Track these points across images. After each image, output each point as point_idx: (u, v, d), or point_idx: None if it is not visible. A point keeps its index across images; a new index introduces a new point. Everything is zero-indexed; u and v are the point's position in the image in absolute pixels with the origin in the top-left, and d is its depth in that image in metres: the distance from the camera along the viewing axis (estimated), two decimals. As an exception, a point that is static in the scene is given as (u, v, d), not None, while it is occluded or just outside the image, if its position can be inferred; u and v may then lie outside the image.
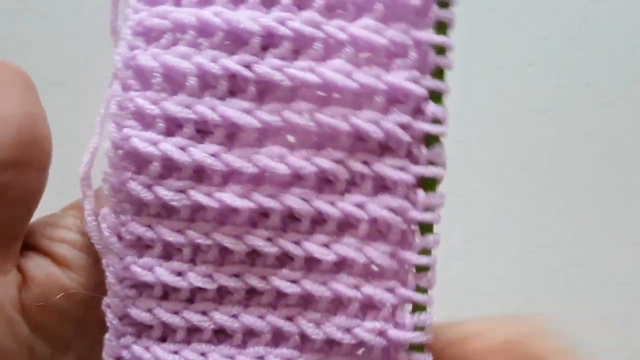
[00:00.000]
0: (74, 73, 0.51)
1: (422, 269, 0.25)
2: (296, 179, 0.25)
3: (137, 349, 0.26)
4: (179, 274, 0.25)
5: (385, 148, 0.25)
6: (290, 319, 0.26)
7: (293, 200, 0.25)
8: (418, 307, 0.25)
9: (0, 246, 0.23)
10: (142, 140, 0.24)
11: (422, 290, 0.25)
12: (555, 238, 0.50)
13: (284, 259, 0.26)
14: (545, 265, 0.50)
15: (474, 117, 0.51)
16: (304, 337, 0.25)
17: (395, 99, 0.25)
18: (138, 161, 0.25)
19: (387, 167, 0.25)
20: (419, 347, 0.25)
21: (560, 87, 0.52)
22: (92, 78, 0.51)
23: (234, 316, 0.26)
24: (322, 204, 0.25)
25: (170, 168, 0.25)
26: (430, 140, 0.25)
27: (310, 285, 0.25)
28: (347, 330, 0.25)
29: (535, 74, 0.53)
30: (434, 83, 0.25)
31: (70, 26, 0.52)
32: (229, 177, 0.25)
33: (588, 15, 0.53)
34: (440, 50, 0.25)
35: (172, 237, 0.25)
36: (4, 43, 0.52)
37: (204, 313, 0.26)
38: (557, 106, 0.52)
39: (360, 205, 0.25)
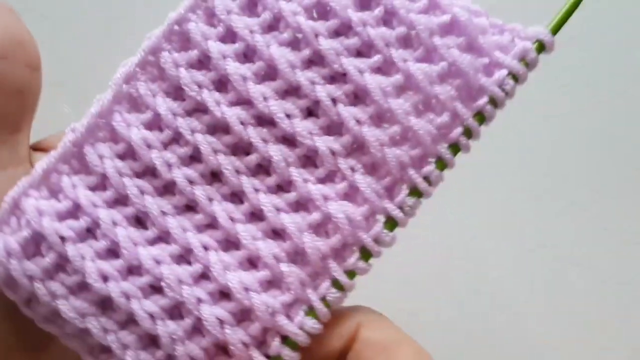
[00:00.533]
0: (74, 73, 0.51)
1: (338, 286, 0.27)
2: (291, 141, 0.26)
3: (66, 180, 0.26)
4: (148, 145, 0.26)
5: (375, 168, 0.27)
6: (205, 248, 0.26)
7: (277, 154, 0.26)
8: (312, 314, 0.26)
9: (2, 134, 0.25)
10: (197, 29, 0.26)
11: (326, 303, 0.26)
12: (555, 238, 0.50)
13: (237, 197, 0.27)
14: (545, 265, 0.50)
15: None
16: (205, 272, 0.26)
17: (408, 139, 0.27)
18: (182, 42, 0.27)
19: (366, 184, 0.26)
20: (293, 344, 0.26)
21: (560, 87, 0.52)
22: (92, 78, 0.51)
23: (163, 213, 0.26)
24: (296, 175, 0.26)
25: (202, 63, 0.27)
26: (414, 191, 0.27)
27: (243, 232, 0.26)
28: (246, 289, 0.26)
29: (535, 74, 0.53)
30: (445, 153, 0.27)
31: (70, 26, 0.53)
32: (243, 102, 0.26)
33: (588, 15, 0.53)
34: (468, 133, 0.27)
35: (164, 112, 0.26)
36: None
37: (141, 191, 0.26)
38: (557, 106, 0.52)
39: (325, 197, 0.26)
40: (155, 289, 0.25)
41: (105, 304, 0.25)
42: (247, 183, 0.26)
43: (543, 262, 0.50)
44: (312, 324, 0.26)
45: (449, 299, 0.49)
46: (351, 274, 0.27)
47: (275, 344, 0.26)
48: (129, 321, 0.25)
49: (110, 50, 0.53)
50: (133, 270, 0.25)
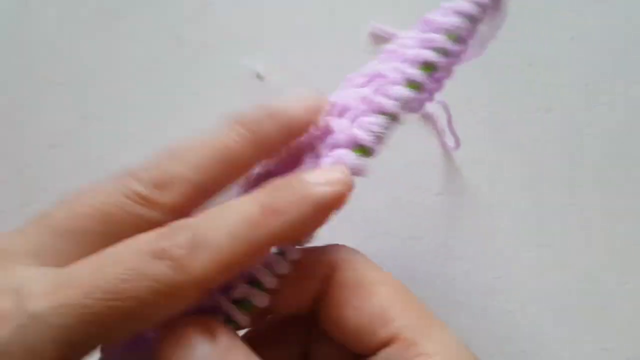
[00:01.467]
0: (74, 73, 0.51)
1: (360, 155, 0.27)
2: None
3: None
4: None
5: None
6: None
7: None
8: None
9: None
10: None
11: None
12: (555, 238, 0.50)
13: None
14: (545, 265, 0.50)
15: (474, 117, 0.51)
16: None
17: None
18: None
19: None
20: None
21: (560, 87, 0.52)
22: (92, 78, 0.51)
23: None
24: None
25: None
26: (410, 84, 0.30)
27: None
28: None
29: (535, 74, 0.53)
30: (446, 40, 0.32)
31: (71, 26, 0.52)
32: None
33: (588, 16, 0.53)
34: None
35: None
36: (4, 43, 0.52)
37: None
38: (557, 106, 0.52)
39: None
40: None
41: None
42: None
43: (543, 262, 0.50)
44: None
45: (448, 298, 0.49)
46: (363, 149, 0.27)
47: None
48: None
49: (111, 50, 0.53)
50: None
